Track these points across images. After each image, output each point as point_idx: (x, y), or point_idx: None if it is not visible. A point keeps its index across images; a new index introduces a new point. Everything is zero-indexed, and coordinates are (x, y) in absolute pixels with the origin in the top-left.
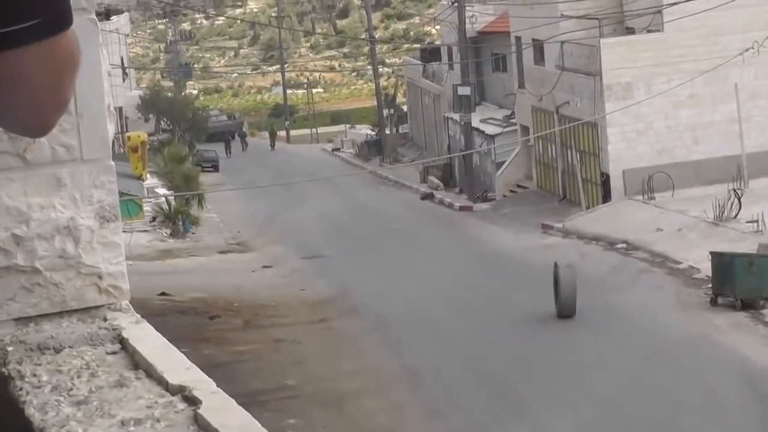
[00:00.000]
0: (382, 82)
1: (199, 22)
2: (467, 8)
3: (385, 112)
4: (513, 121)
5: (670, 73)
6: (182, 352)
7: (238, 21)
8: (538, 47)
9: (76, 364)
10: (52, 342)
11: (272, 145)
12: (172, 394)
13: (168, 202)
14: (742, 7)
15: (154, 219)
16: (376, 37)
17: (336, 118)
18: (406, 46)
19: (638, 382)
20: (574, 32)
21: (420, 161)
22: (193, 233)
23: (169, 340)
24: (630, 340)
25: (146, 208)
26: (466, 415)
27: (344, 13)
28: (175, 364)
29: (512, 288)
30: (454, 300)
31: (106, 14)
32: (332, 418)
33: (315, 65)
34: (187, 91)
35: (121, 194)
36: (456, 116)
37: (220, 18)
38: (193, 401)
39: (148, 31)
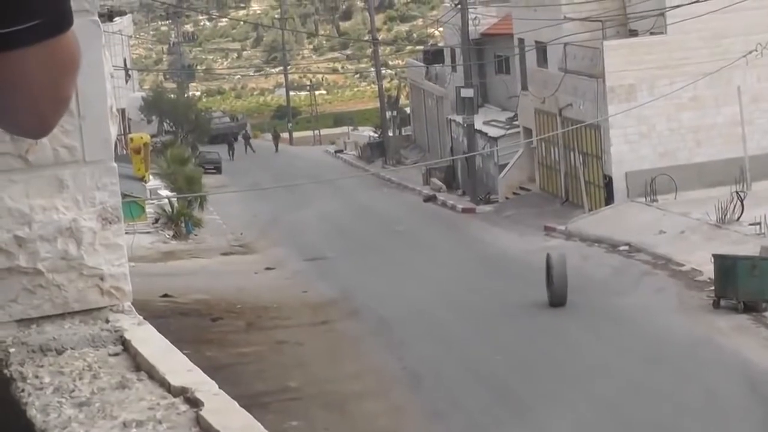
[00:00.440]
0: (385, 84)
1: (202, 23)
2: (470, 10)
3: (388, 114)
4: (516, 123)
5: (672, 75)
6: (184, 353)
7: (241, 22)
8: (541, 49)
9: (78, 366)
10: (54, 343)
11: (276, 147)
12: (174, 396)
13: (171, 203)
14: (745, 10)
15: (156, 221)
16: (379, 39)
17: (339, 119)
18: (409, 48)
19: (640, 385)
20: (577, 34)
21: (423, 163)
22: (195, 235)
23: (171, 342)
24: (632, 342)
25: (149, 209)
26: (467, 417)
27: (347, 15)
28: (177, 366)
29: (514, 290)
30: (456, 302)
31: (109, 16)
32: (334, 420)
33: (318, 67)
34: (190, 93)
35: (124, 196)
36: (459, 118)
37: (223, 19)
38: (195, 403)
39: (151, 32)
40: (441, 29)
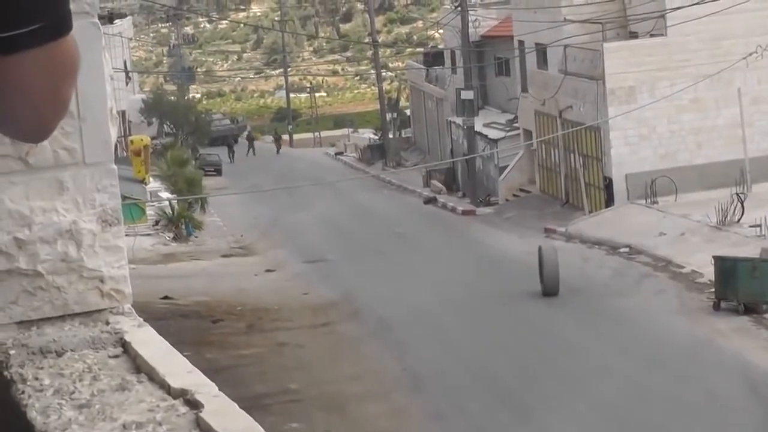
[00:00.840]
0: (385, 86)
1: (202, 25)
2: (470, 12)
3: (388, 116)
4: (516, 125)
5: (673, 77)
6: (184, 355)
7: (242, 25)
8: (541, 51)
9: (78, 368)
10: (54, 345)
11: (278, 150)
12: (174, 398)
13: (171, 205)
14: (745, 12)
15: (156, 223)
16: (379, 41)
17: (339, 121)
18: (409, 50)
19: (641, 386)
20: (577, 36)
21: (423, 165)
22: (195, 237)
23: (171, 344)
24: (632, 344)
25: (149, 211)
26: (468, 419)
27: (347, 17)
28: (177, 368)
29: (515, 292)
30: (457, 304)
31: (109, 18)
32: (335, 421)
33: (318, 69)
34: (190, 95)
35: (124, 198)
36: (459, 120)
37: (224, 22)
38: (195, 405)
39: (152, 34)
40: (441, 31)
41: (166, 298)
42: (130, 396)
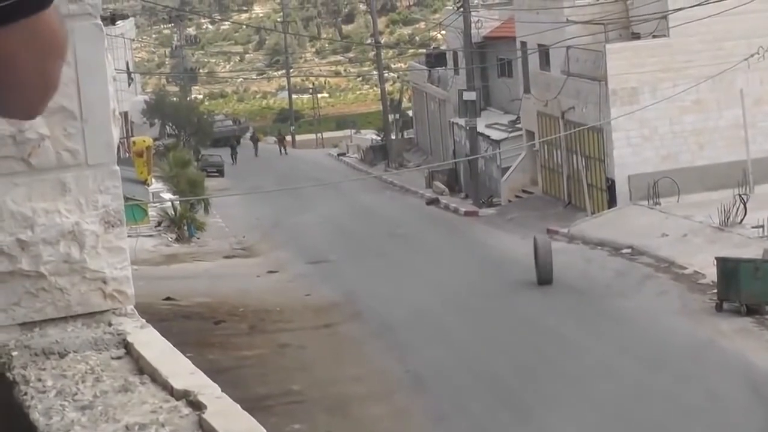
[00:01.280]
0: (388, 87)
1: (204, 26)
2: (473, 13)
3: (391, 117)
4: (518, 126)
5: (675, 78)
6: (187, 357)
7: (244, 26)
8: (544, 52)
9: (81, 369)
10: (57, 347)
11: (281, 150)
12: (177, 399)
13: (173, 206)
14: (747, 13)
15: (159, 224)
16: (382, 42)
17: (341, 122)
18: (411, 51)
19: (642, 387)
20: (579, 37)
21: (425, 166)
22: (198, 238)
23: (173, 345)
24: (635, 345)
25: (151, 212)
26: (471, 420)
27: (350, 18)
28: (180, 369)
29: (517, 293)
30: (459, 305)
31: (111, 19)
32: (337, 423)
33: (320, 70)
34: (193, 96)
35: (126, 199)
36: (461, 121)
37: (226, 23)
38: (197, 406)
39: (154, 35)
40: (443, 32)
41: (168, 299)
42: (133, 397)
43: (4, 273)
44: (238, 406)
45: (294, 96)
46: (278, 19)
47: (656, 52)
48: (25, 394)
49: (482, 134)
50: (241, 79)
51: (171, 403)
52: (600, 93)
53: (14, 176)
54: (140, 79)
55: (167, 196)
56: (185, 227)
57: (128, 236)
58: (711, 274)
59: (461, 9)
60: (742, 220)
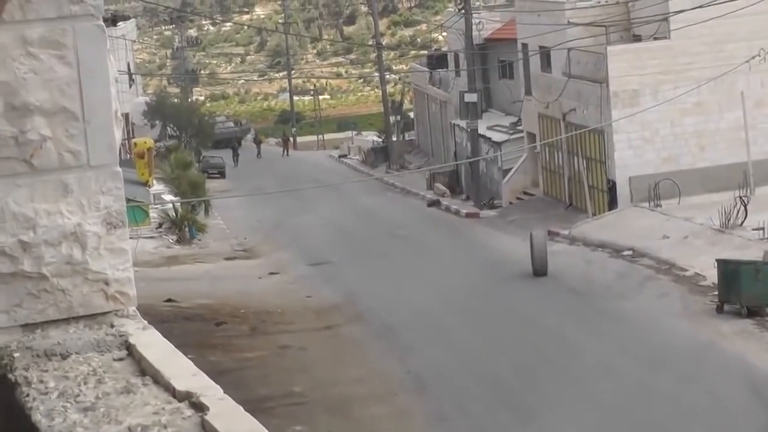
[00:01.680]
0: (389, 88)
1: (205, 28)
2: (474, 15)
3: (392, 118)
4: (519, 128)
5: (676, 80)
6: (189, 358)
7: (245, 27)
8: (545, 54)
9: (83, 371)
10: (59, 348)
11: (284, 152)
12: (179, 401)
13: (174, 208)
14: (748, 16)
15: (160, 225)
16: (383, 43)
17: (342, 124)
18: (412, 52)
19: (643, 388)
20: (581, 39)
21: (426, 168)
22: (199, 240)
23: (175, 347)
24: (635, 346)
25: (152, 214)
26: (471, 421)
27: (351, 20)
28: (182, 371)
29: (518, 295)
30: (460, 306)
31: (112, 20)
32: (339, 424)
33: (322, 72)
34: (194, 98)
35: (128, 200)
36: (462, 123)
37: (227, 24)
38: (200, 408)
39: (155, 37)
40: (445, 34)
41: (169, 300)
42: (135, 399)
43: (6, 274)
44: (241, 407)
45: (295, 97)
46: (279, 21)
47: (657, 55)
48: (27, 395)
49: (483, 136)
50: (242, 80)
51: (173, 404)
52: (601, 95)
53: (16, 177)
54: (141, 81)
55: (168, 197)
56: (186, 229)
57: (129, 237)
58: (712, 276)
59: (462, 11)
60: (742, 222)
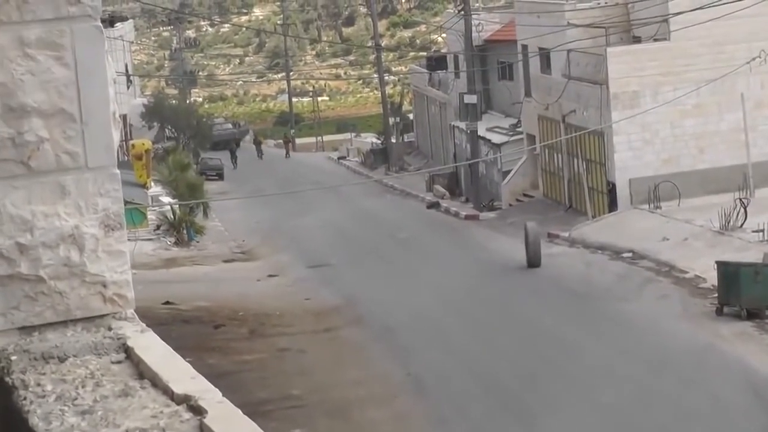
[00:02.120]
0: (388, 90)
1: (204, 29)
2: (473, 16)
3: (391, 120)
4: (519, 129)
5: (676, 82)
6: (187, 361)
7: (244, 28)
8: (545, 56)
9: (81, 374)
10: (57, 351)
11: (287, 153)
12: (178, 404)
13: (172, 210)
14: (748, 17)
15: (158, 227)
16: (382, 45)
17: (341, 126)
18: (412, 54)
19: (643, 390)
20: (580, 41)
21: (426, 170)
22: (197, 242)
23: (173, 350)
24: (635, 349)
25: (150, 216)
26: (471, 423)
27: (350, 21)
28: (181, 374)
29: (518, 297)
30: (460, 309)
31: (110, 21)
32: (338, 427)
33: (320, 73)
34: (192, 99)
35: (125, 202)
36: (462, 125)
37: (226, 25)
38: (198, 411)
39: (153, 38)
40: (444, 35)
41: (167, 303)
42: (133, 402)
43: (3, 276)
44: (239, 410)
45: (294, 99)
46: (278, 22)
47: (657, 56)
48: (25, 398)
49: (483, 138)
50: (240, 82)
51: (172, 407)
52: (601, 96)
53: (13, 179)
54: (139, 82)
55: (166, 199)
56: (184, 231)
57: (127, 240)
58: (711, 278)
59: (462, 12)
60: (742, 224)
